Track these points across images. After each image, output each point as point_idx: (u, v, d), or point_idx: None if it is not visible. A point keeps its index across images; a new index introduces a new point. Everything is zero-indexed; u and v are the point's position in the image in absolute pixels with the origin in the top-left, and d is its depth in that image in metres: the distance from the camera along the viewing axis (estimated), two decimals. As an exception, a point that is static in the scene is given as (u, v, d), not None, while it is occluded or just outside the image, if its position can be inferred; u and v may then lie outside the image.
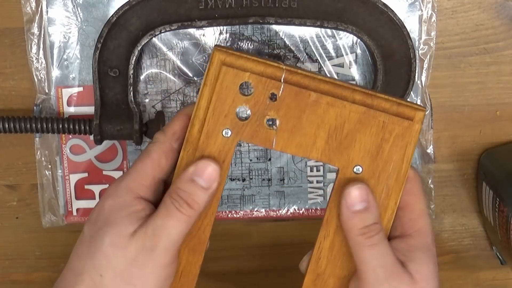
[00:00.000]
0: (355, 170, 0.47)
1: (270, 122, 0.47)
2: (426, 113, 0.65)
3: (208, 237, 0.49)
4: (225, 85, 0.46)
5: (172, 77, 0.64)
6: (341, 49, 0.64)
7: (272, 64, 0.46)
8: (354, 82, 0.65)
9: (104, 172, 0.66)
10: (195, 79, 0.65)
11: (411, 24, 0.63)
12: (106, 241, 0.46)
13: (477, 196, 0.68)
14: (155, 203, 0.47)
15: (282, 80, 0.46)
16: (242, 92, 0.46)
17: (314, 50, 0.64)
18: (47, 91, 0.64)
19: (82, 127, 0.63)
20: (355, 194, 0.46)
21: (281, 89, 0.46)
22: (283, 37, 0.64)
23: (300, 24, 0.61)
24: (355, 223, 0.46)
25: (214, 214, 0.48)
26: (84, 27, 0.63)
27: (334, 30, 0.63)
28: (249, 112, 0.47)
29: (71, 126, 0.63)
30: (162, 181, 0.48)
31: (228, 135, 0.47)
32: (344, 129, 0.47)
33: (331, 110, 0.46)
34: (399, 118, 0.46)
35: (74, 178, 0.67)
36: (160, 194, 0.48)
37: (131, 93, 0.62)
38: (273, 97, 0.46)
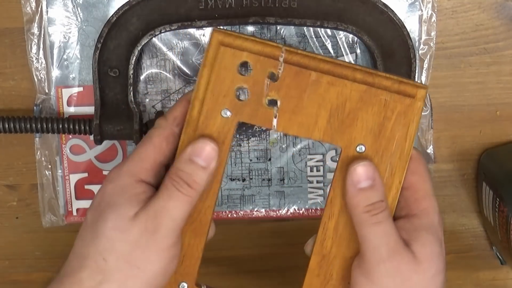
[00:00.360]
0: (358, 149, 0.46)
1: (270, 102, 0.47)
2: (426, 113, 0.65)
3: (210, 220, 0.49)
4: (224, 65, 0.46)
5: (172, 77, 0.64)
6: (341, 49, 0.64)
7: (271, 44, 0.46)
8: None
9: (104, 172, 0.66)
10: (195, 79, 0.65)
11: (411, 24, 0.63)
12: (108, 225, 0.45)
13: (477, 196, 0.68)
14: (157, 186, 0.47)
15: (281, 60, 0.46)
16: (240, 72, 0.46)
17: (314, 50, 0.64)
18: (47, 91, 0.65)
19: (82, 127, 0.63)
20: (360, 171, 0.45)
21: (281, 69, 0.46)
22: (283, 37, 0.64)
23: (300, 24, 0.61)
24: (360, 200, 0.45)
25: (216, 196, 0.48)
26: (84, 27, 0.63)
27: (334, 30, 0.63)
28: (248, 92, 0.46)
29: (71, 126, 0.63)
30: (163, 165, 0.48)
31: (227, 115, 0.47)
32: (345, 108, 0.46)
33: (332, 89, 0.46)
34: (401, 95, 0.46)
35: (74, 178, 0.67)
36: (161, 178, 0.47)
37: (131, 93, 0.62)
38: (272, 77, 0.46)
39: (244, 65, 0.46)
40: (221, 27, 0.54)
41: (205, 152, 0.46)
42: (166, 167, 0.48)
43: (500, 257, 0.68)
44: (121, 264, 0.45)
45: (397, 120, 0.46)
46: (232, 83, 0.46)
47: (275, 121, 0.47)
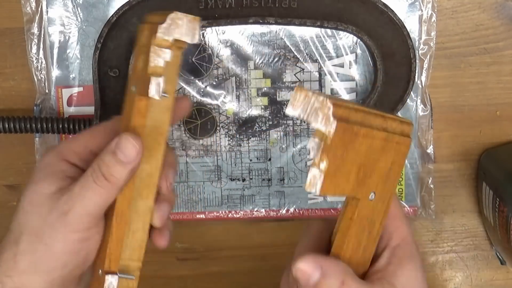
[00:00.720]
0: (370, 197, 0.44)
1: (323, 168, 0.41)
2: (426, 113, 0.65)
3: (157, 181, 0.47)
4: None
5: (172, 77, 0.64)
6: (341, 49, 0.64)
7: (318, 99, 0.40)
8: (354, 82, 0.65)
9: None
10: (195, 79, 0.65)
11: (411, 24, 0.63)
12: (26, 199, 0.47)
13: (477, 196, 0.68)
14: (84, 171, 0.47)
15: (331, 116, 0.40)
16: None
17: (314, 50, 0.64)
18: (47, 91, 0.65)
19: (82, 127, 0.63)
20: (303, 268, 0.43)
21: (332, 128, 0.40)
22: (283, 37, 0.64)
23: (300, 24, 0.61)
24: None
25: (162, 156, 0.47)
26: (84, 27, 0.63)
27: (334, 30, 0.63)
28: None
29: (71, 126, 0.63)
30: (90, 152, 0.48)
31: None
32: (371, 159, 0.43)
33: (364, 142, 0.42)
34: (404, 137, 0.44)
35: (74, 178, 0.66)
36: (85, 163, 0.48)
37: (131, 93, 0.62)
38: (326, 140, 0.41)
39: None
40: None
41: (127, 149, 0.45)
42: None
43: (500, 257, 0.68)
44: (33, 238, 0.46)
45: (400, 161, 0.45)
46: None
47: (319, 185, 0.41)
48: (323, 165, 0.40)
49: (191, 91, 0.64)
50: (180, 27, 0.45)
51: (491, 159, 0.66)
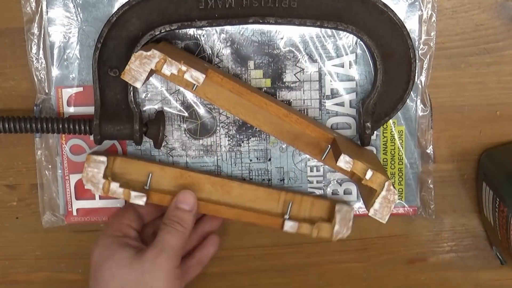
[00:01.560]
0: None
1: None
2: (426, 113, 0.65)
3: None
4: None
5: (172, 77, 0.64)
6: (341, 49, 0.64)
7: None
8: (354, 82, 0.65)
9: (104, 172, 0.66)
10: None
11: (411, 24, 0.63)
12: (113, 268, 0.59)
13: (477, 196, 0.68)
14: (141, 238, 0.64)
15: None
16: None
17: (314, 50, 0.64)
18: (47, 91, 0.64)
19: (82, 127, 0.63)
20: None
21: None
22: (283, 37, 0.64)
23: (300, 24, 0.61)
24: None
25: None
26: (84, 27, 0.63)
27: (334, 30, 0.63)
28: None
29: (71, 126, 0.62)
30: (130, 227, 0.63)
31: None
32: None
33: None
34: None
35: (74, 178, 0.66)
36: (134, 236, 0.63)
37: (131, 93, 0.62)
38: None
39: None
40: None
41: (187, 199, 0.62)
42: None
43: (500, 257, 0.68)
44: None
45: None
46: None
47: None
48: None
49: (191, 91, 0.64)
50: None
51: (491, 159, 0.66)
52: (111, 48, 0.61)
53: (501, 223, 0.62)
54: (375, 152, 0.66)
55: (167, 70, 0.57)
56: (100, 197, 0.67)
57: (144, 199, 0.62)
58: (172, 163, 0.66)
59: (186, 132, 0.66)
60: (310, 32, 0.64)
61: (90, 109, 0.64)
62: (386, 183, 0.57)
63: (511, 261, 0.66)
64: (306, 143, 0.63)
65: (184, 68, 0.57)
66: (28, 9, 0.63)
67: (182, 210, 0.62)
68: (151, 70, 0.57)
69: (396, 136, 0.66)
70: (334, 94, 0.65)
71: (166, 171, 0.65)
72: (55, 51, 0.64)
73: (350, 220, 0.64)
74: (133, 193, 0.62)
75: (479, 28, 0.64)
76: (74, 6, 0.63)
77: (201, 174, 0.65)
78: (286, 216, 0.64)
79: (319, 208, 0.65)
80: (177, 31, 0.63)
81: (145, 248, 0.60)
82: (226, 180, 0.65)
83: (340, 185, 0.67)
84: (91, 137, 0.63)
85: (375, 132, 0.65)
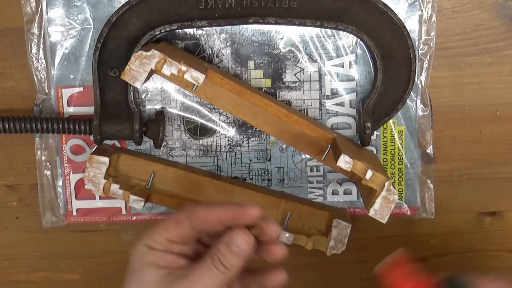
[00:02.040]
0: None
1: None
2: (426, 113, 0.65)
3: None
4: None
5: (172, 77, 0.64)
6: (341, 49, 0.64)
7: None
8: (354, 82, 0.65)
9: (104, 172, 0.66)
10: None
11: (411, 24, 0.63)
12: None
13: (477, 196, 0.68)
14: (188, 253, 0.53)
15: None
16: None
17: (314, 50, 0.64)
18: (47, 91, 0.64)
19: (82, 127, 0.63)
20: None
21: None
22: (283, 37, 0.64)
23: (300, 24, 0.61)
24: None
25: None
26: (84, 27, 0.63)
27: (334, 30, 0.63)
28: None
29: (71, 126, 0.63)
30: (169, 241, 0.52)
31: None
32: None
33: None
34: None
35: (74, 178, 0.66)
36: (172, 250, 0.52)
37: (131, 93, 0.62)
38: None
39: None
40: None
41: (240, 243, 0.51)
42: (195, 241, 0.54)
43: None
44: None
45: None
46: None
47: None
48: None
49: (191, 91, 0.64)
50: None
51: None
52: (111, 48, 0.61)
53: None
54: (375, 152, 0.66)
55: (167, 70, 0.57)
56: (100, 197, 0.67)
57: (142, 203, 0.62)
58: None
59: (186, 132, 0.66)
60: (310, 32, 0.64)
61: (90, 109, 0.64)
62: (386, 183, 0.57)
63: None
64: (306, 143, 0.63)
65: (184, 68, 0.57)
66: (28, 9, 0.63)
67: (232, 253, 0.51)
68: (151, 70, 0.57)
69: (396, 136, 0.66)
70: (334, 94, 0.65)
71: (169, 171, 0.65)
72: (55, 51, 0.64)
73: (346, 236, 0.64)
74: (132, 197, 0.62)
75: (479, 28, 0.64)
76: (74, 6, 0.63)
77: (204, 176, 0.65)
78: (284, 226, 0.64)
79: (318, 219, 0.66)
80: (177, 31, 0.63)
81: (178, 275, 0.51)
82: (228, 185, 0.65)
83: (340, 185, 0.67)
84: (91, 137, 0.63)
85: (375, 132, 0.65)
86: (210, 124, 0.66)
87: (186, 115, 0.66)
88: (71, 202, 0.67)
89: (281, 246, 0.53)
